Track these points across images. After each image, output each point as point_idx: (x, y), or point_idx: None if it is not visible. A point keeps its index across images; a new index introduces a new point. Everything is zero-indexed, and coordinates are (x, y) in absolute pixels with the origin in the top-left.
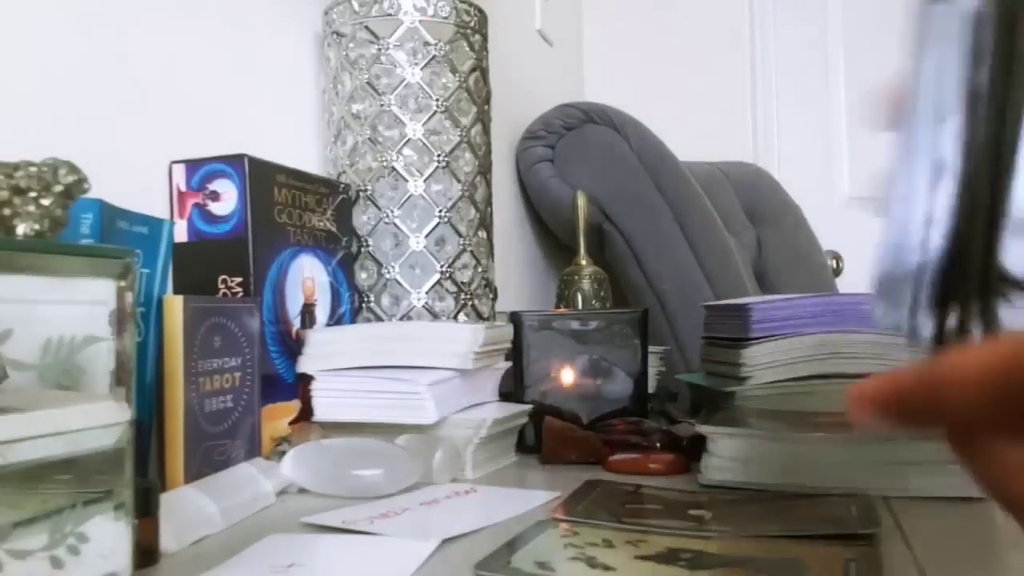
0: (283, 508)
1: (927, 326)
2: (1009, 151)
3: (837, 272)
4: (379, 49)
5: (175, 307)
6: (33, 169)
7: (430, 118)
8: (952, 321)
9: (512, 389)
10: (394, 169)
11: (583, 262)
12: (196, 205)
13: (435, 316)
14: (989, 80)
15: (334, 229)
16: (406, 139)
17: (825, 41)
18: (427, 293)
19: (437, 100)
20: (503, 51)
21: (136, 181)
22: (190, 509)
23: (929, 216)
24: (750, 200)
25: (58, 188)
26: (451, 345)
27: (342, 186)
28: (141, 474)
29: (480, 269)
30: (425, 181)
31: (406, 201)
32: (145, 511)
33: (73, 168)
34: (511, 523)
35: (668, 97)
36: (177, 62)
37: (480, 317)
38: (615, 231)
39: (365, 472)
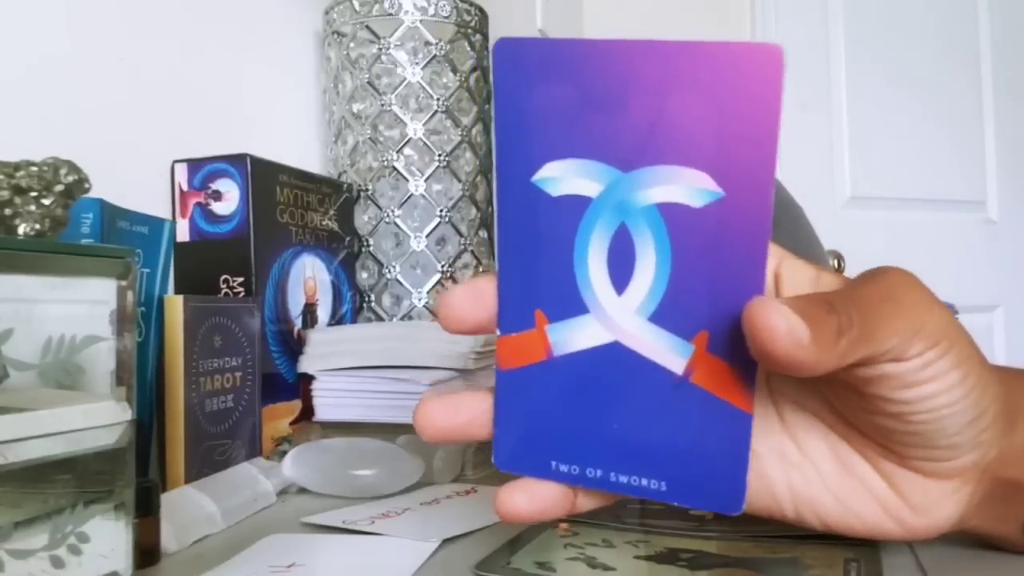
0: (283, 508)
1: None
2: None
3: (838, 272)
4: (380, 49)
5: (175, 307)
6: (34, 169)
7: (431, 118)
8: None
9: None
10: (395, 169)
11: None
12: (198, 204)
13: (436, 316)
14: None
15: (336, 229)
16: (407, 139)
17: (827, 41)
18: (428, 293)
19: (438, 100)
20: None
21: (137, 181)
22: (191, 509)
23: None
24: None
25: (59, 188)
26: (452, 345)
27: (345, 185)
28: (142, 474)
29: (481, 269)
30: (426, 181)
31: (407, 201)
32: (146, 511)
33: (74, 167)
34: (511, 523)
35: None
36: (178, 61)
37: None
38: None
39: (365, 472)
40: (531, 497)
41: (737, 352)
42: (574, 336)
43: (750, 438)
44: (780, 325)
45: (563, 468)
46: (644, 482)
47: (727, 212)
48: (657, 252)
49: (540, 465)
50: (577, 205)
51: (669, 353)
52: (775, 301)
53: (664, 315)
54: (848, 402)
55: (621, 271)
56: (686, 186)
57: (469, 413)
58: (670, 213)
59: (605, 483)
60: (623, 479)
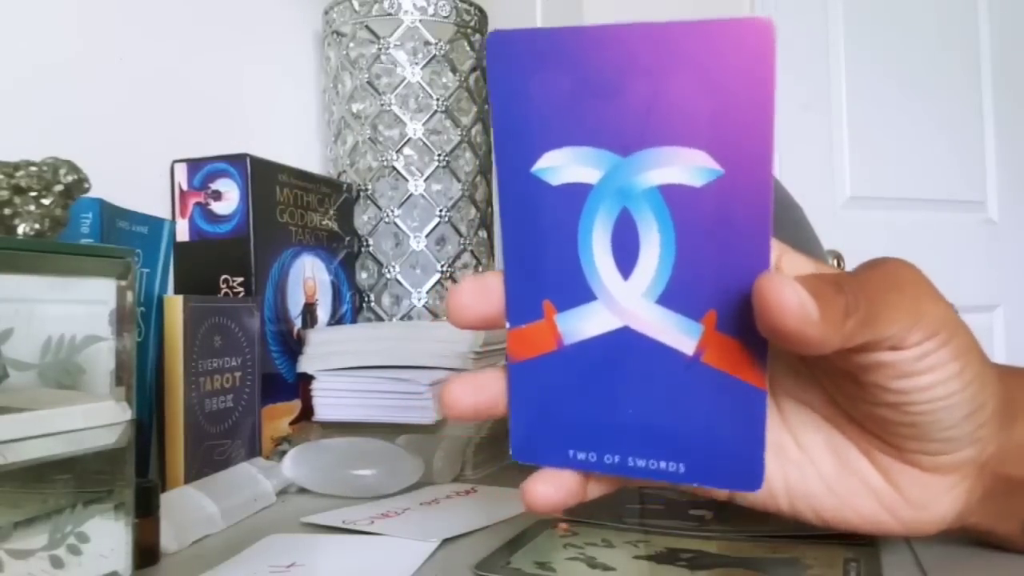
0: (283, 508)
1: None
2: None
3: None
4: (379, 49)
5: (175, 307)
6: (33, 169)
7: (430, 118)
8: None
9: None
10: (394, 169)
11: None
12: (198, 204)
13: (436, 316)
14: None
15: (336, 229)
16: (406, 139)
17: (827, 40)
18: (428, 293)
19: (437, 100)
20: None
21: (136, 181)
22: (190, 509)
23: None
24: None
25: (59, 188)
26: (452, 345)
27: (344, 185)
28: (141, 474)
29: (481, 269)
30: (425, 181)
31: (406, 200)
32: (145, 511)
33: (73, 167)
34: (511, 523)
35: None
36: (178, 61)
37: None
38: None
39: (365, 472)
40: (556, 486)
41: (746, 329)
42: (583, 324)
43: (765, 414)
44: (791, 299)
45: (580, 456)
46: (662, 465)
47: (728, 189)
48: (661, 234)
49: (557, 454)
50: (578, 193)
51: (679, 334)
52: (786, 276)
53: (671, 296)
54: (847, 393)
55: (626, 256)
56: (685, 166)
57: (493, 390)
58: (671, 194)
59: (623, 468)
60: (641, 463)
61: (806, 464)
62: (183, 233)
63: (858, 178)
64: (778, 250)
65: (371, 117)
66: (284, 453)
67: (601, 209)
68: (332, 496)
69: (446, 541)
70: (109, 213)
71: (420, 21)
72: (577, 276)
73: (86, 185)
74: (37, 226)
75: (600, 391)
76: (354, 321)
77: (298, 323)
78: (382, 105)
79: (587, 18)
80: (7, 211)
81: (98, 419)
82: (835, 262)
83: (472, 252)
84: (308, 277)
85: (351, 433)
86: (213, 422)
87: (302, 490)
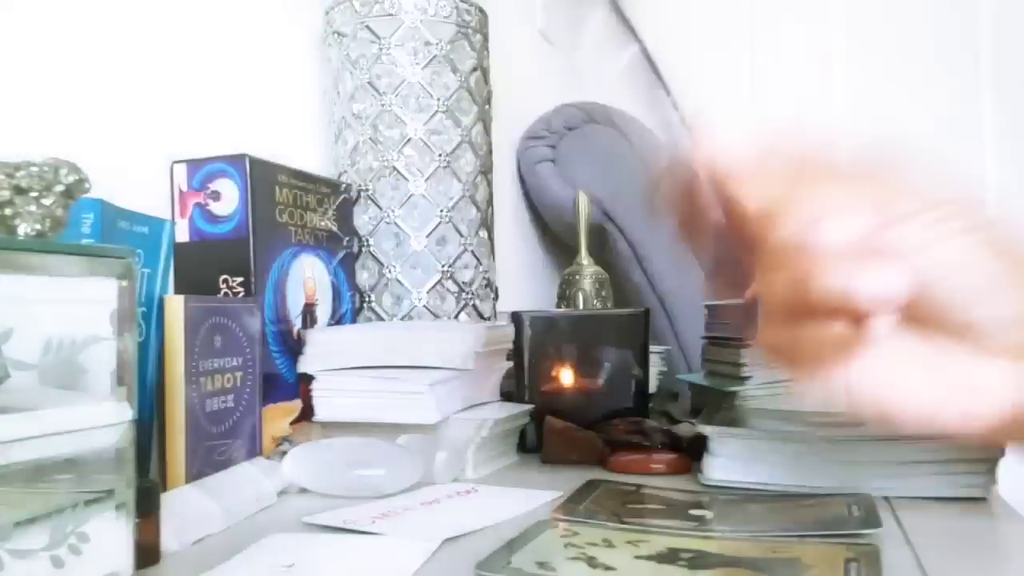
0: (284, 508)
1: None
2: None
3: None
4: (380, 49)
5: (176, 307)
6: (34, 169)
7: (431, 118)
8: None
9: (513, 389)
10: (395, 169)
11: (584, 262)
12: (197, 205)
13: (436, 316)
14: None
15: (336, 229)
16: (407, 139)
17: (827, 41)
18: (428, 293)
19: (438, 100)
20: (504, 51)
21: (137, 181)
22: (191, 509)
23: None
24: None
25: (59, 188)
26: (452, 345)
27: (344, 186)
28: (142, 474)
29: (481, 269)
30: (426, 181)
31: (407, 201)
32: (146, 511)
33: (74, 168)
34: (512, 523)
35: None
36: (178, 61)
37: (481, 317)
38: (617, 231)
39: (366, 472)
40: None
41: None
42: None
43: None
44: None
45: None
46: None
47: None
48: None
49: None
50: None
51: None
52: None
53: None
54: None
55: None
56: None
57: None
58: None
59: None
60: None
61: None
62: (183, 233)
63: None
64: None
65: (372, 117)
66: (285, 453)
67: None
68: (333, 496)
69: (447, 541)
70: (110, 213)
71: (421, 21)
72: None
73: (87, 185)
74: (38, 226)
75: None
76: (354, 321)
77: (298, 323)
78: (383, 105)
79: (587, 17)
80: (8, 211)
81: (99, 419)
82: None
83: (473, 252)
84: (308, 277)
85: (351, 433)
86: (214, 422)
87: (303, 490)
